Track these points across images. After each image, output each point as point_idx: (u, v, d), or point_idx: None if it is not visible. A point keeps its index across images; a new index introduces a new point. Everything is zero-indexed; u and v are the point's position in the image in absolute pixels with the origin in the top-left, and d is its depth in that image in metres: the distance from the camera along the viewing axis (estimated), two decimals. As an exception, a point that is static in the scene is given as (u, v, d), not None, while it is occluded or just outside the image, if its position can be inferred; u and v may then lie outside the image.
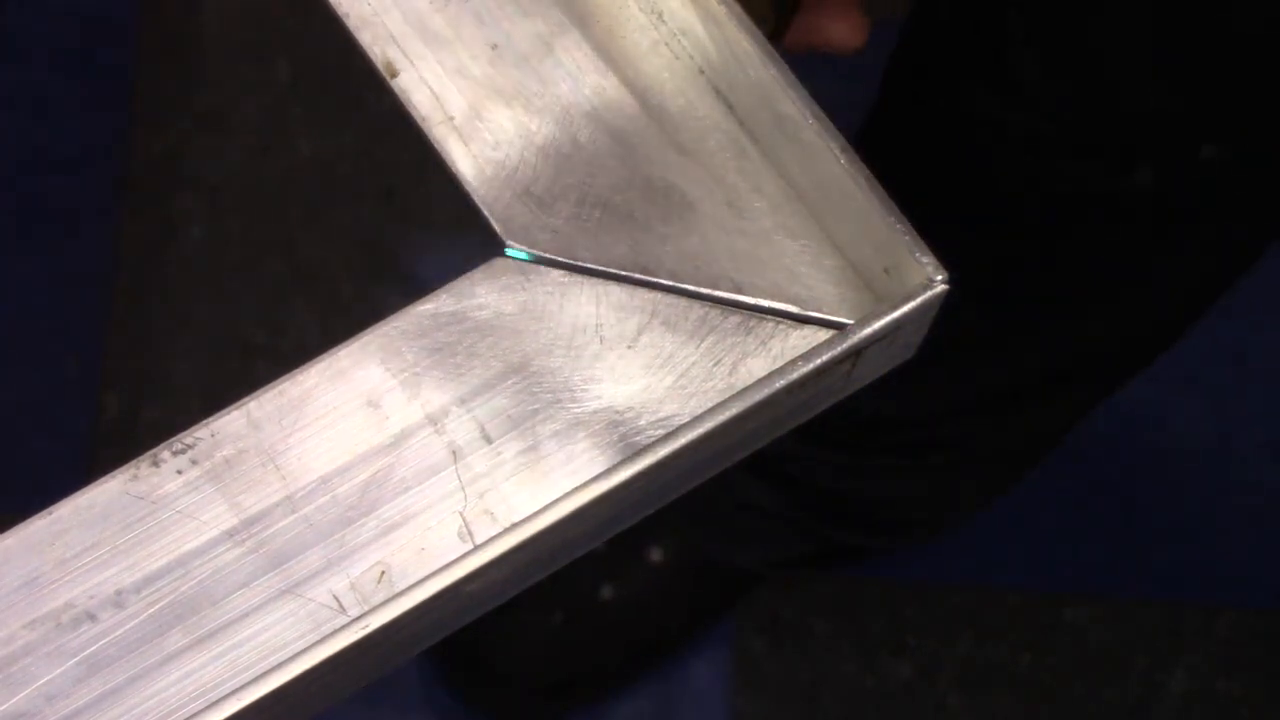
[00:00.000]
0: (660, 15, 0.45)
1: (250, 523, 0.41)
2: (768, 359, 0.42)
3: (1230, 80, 0.72)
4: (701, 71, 0.45)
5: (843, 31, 0.54)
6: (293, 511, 0.41)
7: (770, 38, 0.48)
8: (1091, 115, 0.75)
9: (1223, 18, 0.68)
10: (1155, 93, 0.72)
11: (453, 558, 0.39)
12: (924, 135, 0.84)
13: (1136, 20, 0.70)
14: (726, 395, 0.41)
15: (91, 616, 0.40)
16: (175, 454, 0.41)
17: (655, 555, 1.24)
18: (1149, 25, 0.70)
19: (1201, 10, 0.68)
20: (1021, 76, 0.74)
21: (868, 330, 0.41)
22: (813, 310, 0.43)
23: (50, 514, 0.41)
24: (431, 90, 0.44)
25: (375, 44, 0.45)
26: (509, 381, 0.42)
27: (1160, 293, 0.87)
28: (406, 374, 0.42)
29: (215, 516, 0.41)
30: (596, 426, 0.42)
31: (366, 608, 0.39)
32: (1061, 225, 0.81)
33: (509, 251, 0.43)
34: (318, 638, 0.39)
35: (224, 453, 0.41)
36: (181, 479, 0.41)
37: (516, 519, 0.40)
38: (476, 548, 0.39)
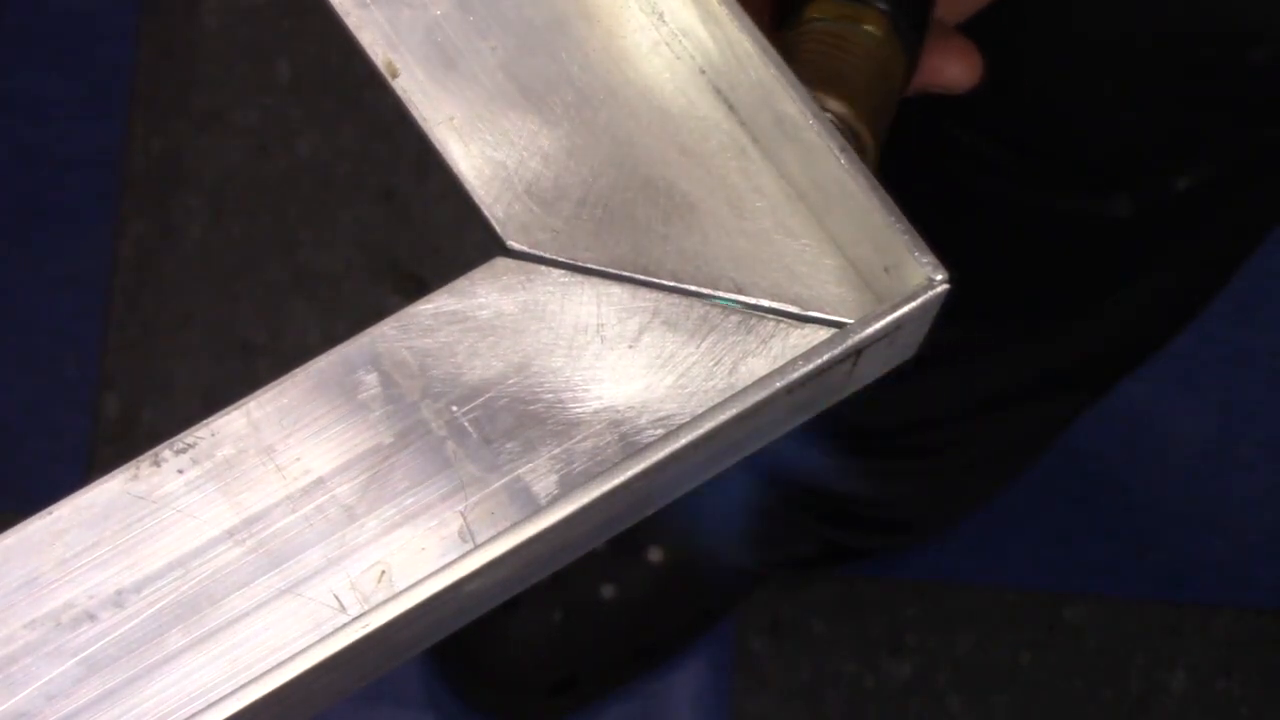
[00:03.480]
0: (661, 15, 0.45)
1: (250, 522, 0.40)
2: (768, 358, 0.42)
3: (1203, 110, 0.71)
4: (702, 71, 0.45)
5: (958, 71, 0.53)
6: (293, 511, 0.41)
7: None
8: (1060, 150, 0.74)
9: (1190, 47, 0.68)
10: (1127, 127, 0.72)
11: (453, 558, 0.39)
12: (904, 144, 0.83)
13: (1101, 57, 0.69)
14: (727, 395, 0.41)
15: (91, 616, 0.40)
16: (176, 453, 0.41)
17: (655, 555, 1.24)
18: (1115, 60, 0.69)
19: (1167, 40, 0.68)
20: (983, 112, 0.73)
21: (868, 330, 0.41)
22: (813, 310, 0.43)
23: (50, 514, 0.40)
24: (432, 90, 0.44)
25: (375, 44, 0.45)
26: (509, 381, 0.42)
27: (1158, 294, 0.87)
28: (407, 374, 0.42)
29: (215, 516, 0.41)
30: (597, 426, 0.42)
31: (367, 607, 0.39)
32: (1048, 238, 0.81)
33: (509, 251, 0.43)
34: (318, 637, 0.39)
35: (224, 452, 0.41)
36: (182, 478, 0.41)
37: (517, 518, 0.40)
38: (476, 548, 0.39)
